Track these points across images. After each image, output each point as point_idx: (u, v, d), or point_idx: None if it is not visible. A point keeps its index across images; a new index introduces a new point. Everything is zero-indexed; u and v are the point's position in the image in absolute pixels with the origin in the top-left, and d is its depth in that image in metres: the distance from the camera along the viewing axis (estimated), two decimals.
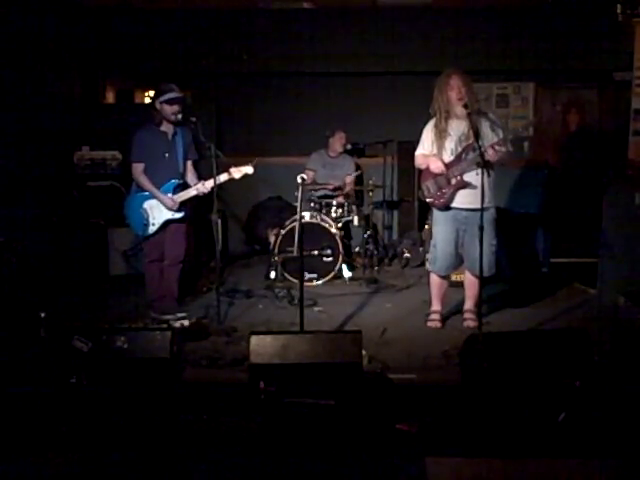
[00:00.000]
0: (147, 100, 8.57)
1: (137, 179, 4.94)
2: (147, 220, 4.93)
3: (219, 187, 4.80)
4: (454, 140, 4.60)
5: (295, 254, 5.64)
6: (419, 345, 4.47)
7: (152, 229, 4.95)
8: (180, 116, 4.84)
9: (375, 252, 6.68)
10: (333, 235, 6.13)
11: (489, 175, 4.41)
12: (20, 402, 3.41)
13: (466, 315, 4.87)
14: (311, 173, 6.80)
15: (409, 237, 7.05)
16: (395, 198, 7.63)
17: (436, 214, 4.80)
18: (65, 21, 6.83)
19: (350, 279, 6.21)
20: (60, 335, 3.66)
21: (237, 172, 4.86)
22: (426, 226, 6.41)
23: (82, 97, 7.69)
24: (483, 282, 4.44)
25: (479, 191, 4.23)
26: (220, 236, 5.00)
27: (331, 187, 6.63)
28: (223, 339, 4.53)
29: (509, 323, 4.83)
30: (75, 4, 6.80)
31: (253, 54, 7.37)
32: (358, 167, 7.19)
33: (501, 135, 4.58)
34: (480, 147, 4.31)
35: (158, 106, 4.84)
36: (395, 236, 7.67)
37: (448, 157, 4.62)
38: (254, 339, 3.46)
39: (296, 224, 5.12)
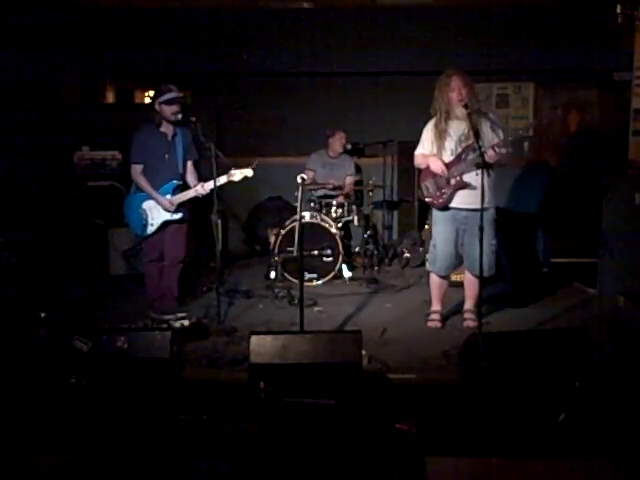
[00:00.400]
0: (147, 100, 8.57)
1: (136, 180, 4.94)
2: (146, 220, 4.93)
3: (219, 187, 4.80)
4: (454, 140, 4.60)
5: (295, 254, 5.65)
6: (419, 345, 4.47)
7: (151, 229, 4.95)
8: (180, 116, 4.84)
9: (375, 252, 6.68)
10: (333, 235, 6.13)
11: (489, 175, 4.41)
12: (20, 402, 3.41)
13: (466, 315, 4.87)
14: (311, 173, 6.80)
15: (409, 237, 7.04)
16: (395, 198, 7.63)
17: (436, 214, 4.80)
18: (65, 21, 6.83)
19: (350, 279, 6.21)
20: (60, 335, 3.66)
21: (237, 174, 4.85)
22: (426, 226, 6.42)
23: (82, 97, 7.70)
24: (483, 282, 4.44)
25: (479, 191, 4.23)
26: (220, 236, 4.99)
27: (331, 187, 6.63)
28: (223, 339, 4.53)
29: (509, 323, 4.83)
30: (75, 4, 6.80)
31: (253, 54, 7.37)
32: (358, 168, 7.20)
33: (501, 136, 4.57)
34: (480, 148, 4.31)
35: (157, 107, 4.83)
36: (395, 236, 7.67)
37: (448, 157, 4.62)
38: (254, 339, 3.46)
39: (296, 224, 5.13)
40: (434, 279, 4.93)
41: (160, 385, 3.49)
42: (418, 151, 4.81)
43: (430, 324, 4.89)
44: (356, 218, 6.53)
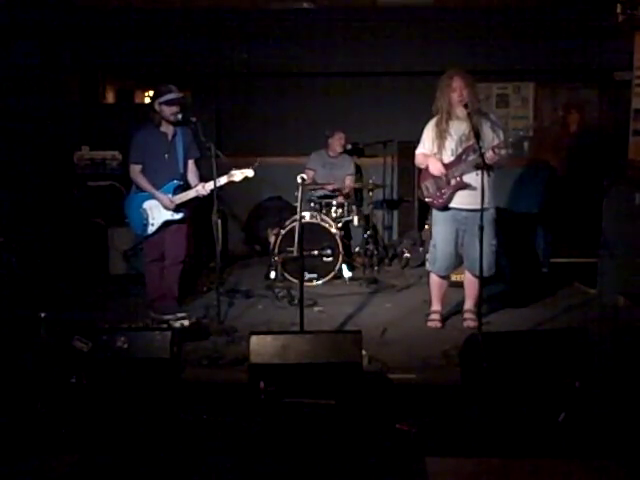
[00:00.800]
0: (147, 100, 8.57)
1: (135, 180, 4.94)
2: (147, 220, 4.93)
3: (219, 188, 4.80)
4: (455, 140, 4.60)
5: (295, 254, 5.64)
6: (419, 345, 4.47)
7: (151, 229, 4.95)
8: (180, 116, 4.84)
9: (375, 252, 6.68)
10: (333, 235, 6.13)
11: (489, 176, 4.41)
12: (20, 402, 3.41)
13: (466, 315, 4.87)
14: (311, 173, 6.80)
15: (409, 237, 7.04)
16: (395, 198, 7.63)
17: (435, 214, 4.80)
18: (65, 21, 6.83)
19: (350, 279, 6.21)
20: (60, 335, 3.65)
21: (237, 175, 4.85)
22: (426, 226, 6.42)
23: (82, 97, 7.70)
24: (483, 282, 4.44)
25: (479, 192, 4.23)
26: (220, 236, 4.98)
27: (331, 187, 6.63)
28: (223, 339, 4.53)
29: (509, 323, 4.83)
30: (75, 4, 6.80)
31: (253, 54, 7.37)
32: (358, 168, 7.19)
33: (502, 137, 4.57)
34: (481, 148, 4.31)
35: (157, 107, 4.83)
36: (395, 236, 7.67)
37: (448, 157, 4.62)
38: (254, 339, 3.46)
39: (296, 224, 5.12)
40: (434, 279, 4.93)
41: (160, 385, 3.49)
42: (419, 150, 4.81)
43: (430, 324, 4.89)
44: (356, 218, 6.53)
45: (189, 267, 5.50)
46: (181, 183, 4.97)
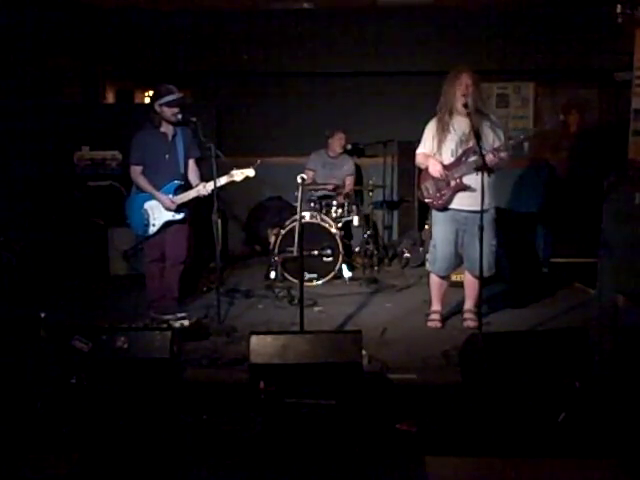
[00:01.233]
0: (147, 100, 8.57)
1: (135, 181, 4.95)
2: (147, 220, 4.93)
3: (219, 188, 4.80)
4: (455, 140, 4.60)
5: (295, 254, 5.64)
6: (419, 345, 4.47)
7: (152, 229, 4.95)
8: (180, 116, 4.84)
9: (375, 252, 6.69)
10: (333, 235, 6.13)
11: (489, 176, 4.41)
12: (20, 402, 3.41)
13: (466, 315, 4.87)
14: (311, 173, 6.80)
15: (409, 237, 7.04)
16: (395, 198, 7.64)
17: (435, 214, 4.80)
18: (65, 21, 6.83)
19: (350, 279, 6.21)
20: (60, 335, 3.65)
21: (238, 174, 4.85)
22: (426, 226, 6.42)
23: (82, 97, 7.70)
24: (483, 282, 4.44)
25: (478, 193, 4.23)
26: (220, 236, 4.99)
27: (331, 187, 6.63)
28: (223, 339, 4.53)
29: (509, 323, 4.83)
30: (75, 4, 6.80)
31: (253, 54, 7.37)
32: (358, 168, 7.19)
33: (502, 138, 4.58)
34: (481, 150, 4.31)
35: (158, 108, 4.83)
36: (395, 236, 7.67)
37: (448, 158, 4.63)
38: (254, 339, 3.46)
39: (296, 224, 5.13)
40: (434, 279, 4.93)
41: (160, 385, 3.49)
42: (419, 150, 4.81)
43: (430, 324, 4.89)
44: (356, 218, 6.53)
45: (189, 267, 5.50)
46: (182, 183, 4.97)
